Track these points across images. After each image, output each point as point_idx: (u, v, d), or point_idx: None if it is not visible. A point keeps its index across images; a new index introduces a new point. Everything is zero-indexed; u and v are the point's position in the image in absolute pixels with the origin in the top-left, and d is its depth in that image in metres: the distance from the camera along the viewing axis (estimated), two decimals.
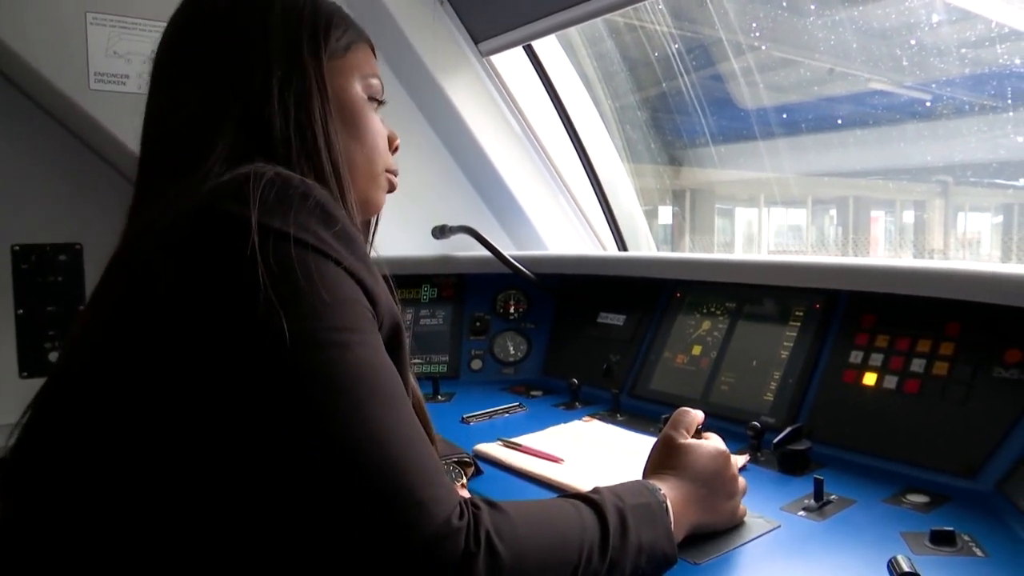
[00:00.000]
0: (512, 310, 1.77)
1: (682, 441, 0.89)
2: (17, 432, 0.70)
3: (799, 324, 1.29)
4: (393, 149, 0.93)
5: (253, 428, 0.60)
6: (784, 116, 2.78)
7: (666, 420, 1.30)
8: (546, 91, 1.98)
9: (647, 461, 0.91)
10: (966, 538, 0.85)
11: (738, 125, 2.67)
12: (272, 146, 0.75)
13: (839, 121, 3.02)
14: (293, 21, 0.80)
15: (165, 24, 0.84)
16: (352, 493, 0.58)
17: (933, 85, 2.45)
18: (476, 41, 1.93)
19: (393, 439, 0.61)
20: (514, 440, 1.24)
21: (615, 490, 0.78)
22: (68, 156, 1.80)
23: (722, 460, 0.90)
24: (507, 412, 1.45)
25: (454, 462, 1.10)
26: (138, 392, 0.62)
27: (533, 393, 1.59)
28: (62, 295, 1.83)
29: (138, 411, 0.62)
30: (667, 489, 0.82)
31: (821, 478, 0.98)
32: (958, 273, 1.07)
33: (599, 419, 1.39)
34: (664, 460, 0.89)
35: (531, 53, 1.94)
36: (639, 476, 1.08)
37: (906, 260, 1.19)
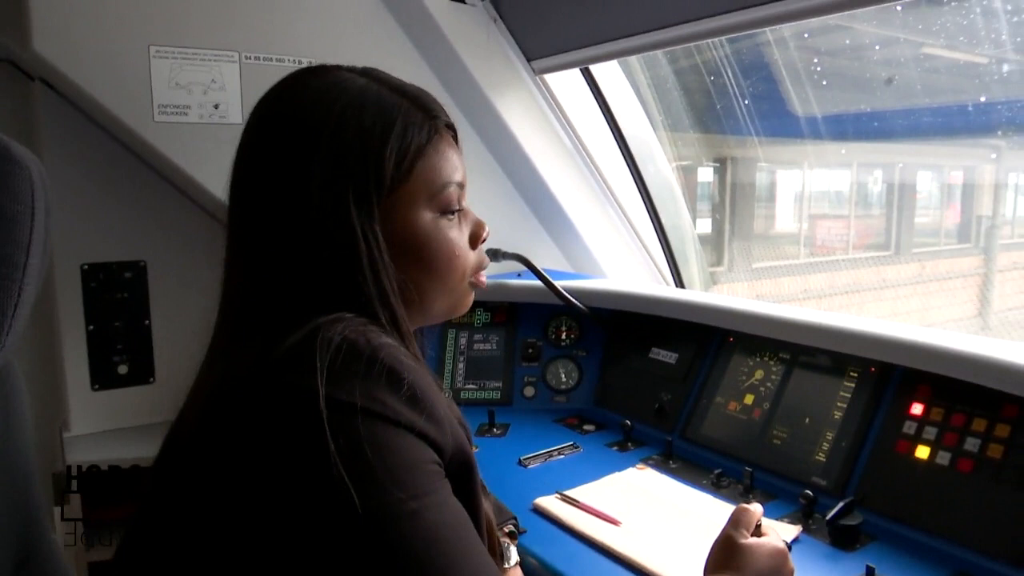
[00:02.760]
0: (564, 336, 1.81)
1: (742, 541, 0.93)
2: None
3: (854, 386, 1.31)
4: (482, 241, 0.88)
5: None
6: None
7: (719, 475, 1.35)
8: (602, 113, 1.97)
9: (708, 558, 0.95)
10: None
11: (788, 122, 2.63)
12: (333, 295, 0.74)
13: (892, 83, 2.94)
14: (338, 168, 0.75)
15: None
16: None
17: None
18: (529, 59, 1.92)
19: None
20: (571, 494, 1.30)
21: None
22: (133, 178, 1.84)
23: (780, 560, 0.93)
24: (561, 453, 1.50)
25: (506, 532, 1.15)
26: (216, 554, 0.67)
27: (586, 428, 1.64)
28: (128, 311, 1.90)
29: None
30: None
31: (873, 567, 1.02)
32: (1018, 368, 1.08)
33: (652, 465, 1.43)
34: (726, 560, 0.93)
35: (588, 75, 1.92)
36: (693, 540, 1.13)
37: (964, 340, 1.19)
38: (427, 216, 0.81)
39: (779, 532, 0.98)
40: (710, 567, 0.94)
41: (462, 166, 0.86)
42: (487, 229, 0.89)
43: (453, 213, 0.84)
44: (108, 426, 1.88)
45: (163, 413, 0.79)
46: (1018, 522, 1.06)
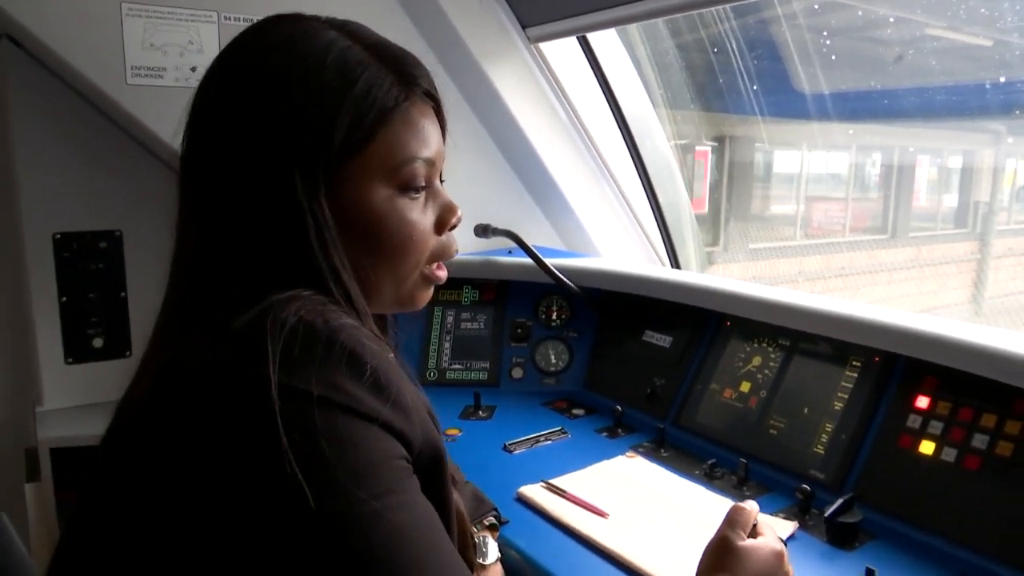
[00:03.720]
0: (554, 316, 1.74)
1: (739, 544, 0.87)
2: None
3: (856, 375, 1.25)
4: (451, 227, 0.81)
5: None
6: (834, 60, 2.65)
7: (712, 465, 1.30)
8: (600, 86, 1.90)
9: (702, 559, 0.89)
10: None
11: (792, 100, 2.56)
12: (285, 268, 0.68)
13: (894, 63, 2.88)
14: (285, 131, 0.68)
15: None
16: None
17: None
18: (524, 26, 1.83)
19: None
20: (558, 483, 1.24)
21: None
22: (107, 143, 1.76)
23: (776, 562, 0.88)
24: (549, 439, 1.44)
25: (487, 525, 1.10)
26: (164, 548, 0.62)
27: (575, 412, 1.58)
28: (103, 282, 1.83)
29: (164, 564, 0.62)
30: None
31: (873, 569, 0.97)
32: None
33: (642, 453, 1.38)
34: (720, 562, 0.87)
35: (585, 45, 1.84)
36: (684, 536, 1.08)
37: (974, 331, 1.12)
38: (382, 192, 0.73)
39: (776, 530, 0.92)
40: (704, 569, 0.88)
41: (437, 142, 0.78)
42: (458, 214, 0.80)
43: (417, 191, 0.76)
44: (83, 401, 1.81)
45: None
46: None
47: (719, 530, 0.89)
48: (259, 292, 0.64)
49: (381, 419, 0.62)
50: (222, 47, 0.75)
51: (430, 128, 0.77)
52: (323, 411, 0.59)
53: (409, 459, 0.65)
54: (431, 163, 0.76)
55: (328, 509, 0.57)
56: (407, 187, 0.74)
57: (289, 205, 0.68)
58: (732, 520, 0.90)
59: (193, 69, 1.62)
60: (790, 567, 0.90)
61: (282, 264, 0.68)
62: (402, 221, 0.74)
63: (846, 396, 1.25)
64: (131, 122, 1.62)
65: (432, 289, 0.84)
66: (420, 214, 0.76)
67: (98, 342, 1.83)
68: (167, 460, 0.62)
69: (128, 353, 1.86)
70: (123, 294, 1.85)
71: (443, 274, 0.82)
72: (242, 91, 0.70)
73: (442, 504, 0.70)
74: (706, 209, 3.74)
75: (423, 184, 0.76)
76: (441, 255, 0.81)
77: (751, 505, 0.92)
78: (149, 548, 0.62)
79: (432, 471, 0.69)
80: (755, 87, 2.31)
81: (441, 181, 0.84)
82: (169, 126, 1.65)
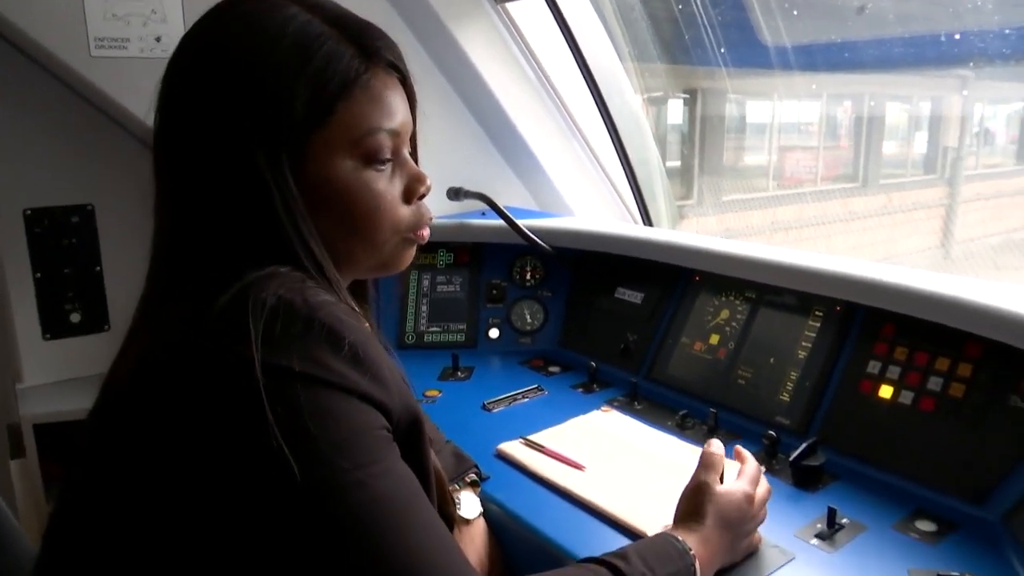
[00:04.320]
0: (529, 277, 1.77)
1: (716, 488, 0.92)
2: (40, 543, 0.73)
3: (819, 325, 1.30)
4: (420, 196, 0.82)
5: (282, 570, 0.62)
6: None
7: (683, 416, 1.35)
8: (567, 44, 1.90)
9: (679, 504, 0.93)
10: None
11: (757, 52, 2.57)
12: (258, 244, 0.70)
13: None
14: (246, 108, 0.70)
15: None
16: None
17: None
18: None
19: (421, 559, 0.63)
20: (535, 439, 1.28)
21: (644, 555, 0.81)
22: (74, 117, 1.75)
23: (748, 505, 0.93)
24: (526, 396, 1.48)
25: (468, 482, 1.14)
26: (152, 524, 0.64)
27: (551, 369, 1.62)
28: (77, 257, 1.83)
29: (153, 543, 0.65)
30: (697, 543, 0.86)
31: (835, 508, 1.02)
32: (979, 307, 1.06)
33: (617, 407, 1.42)
34: (697, 507, 0.91)
35: (552, 3, 1.84)
36: (657, 484, 1.12)
37: (928, 279, 1.17)
38: (347, 165, 0.74)
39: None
40: (683, 512, 0.92)
41: (403, 113, 0.79)
42: (427, 184, 0.82)
43: (383, 163, 0.77)
44: (63, 376, 1.83)
45: None
46: (976, 460, 1.06)
47: (695, 475, 0.94)
48: (236, 270, 0.67)
49: (361, 391, 0.65)
50: (185, 16, 0.76)
51: (394, 99, 0.77)
52: (305, 386, 0.61)
53: (389, 428, 0.68)
54: (396, 134, 0.77)
55: (313, 480, 0.60)
56: (372, 158, 0.75)
57: (255, 180, 0.70)
58: (706, 464, 0.94)
59: (158, 39, 1.61)
60: (756, 511, 0.95)
61: (256, 241, 0.70)
62: (368, 192, 0.76)
63: (810, 345, 1.30)
64: (97, 95, 1.60)
65: (414, 249, 0.86)
66: (387, 184, 0.78)
67: (75, 317, 1.84)
68: (154, 439, 0.64)
69: (106, 327, 1.87)
70: (98, 268, 1.86)
71: (425, 233, 0.84)
72: (206, 69, 0.72)
73: (422, 468, 0.73)
74: (678, 163, 3.76)
75: (388, 156, 0.77)
76: (415, 225, 0.82)
77: (717, 447, 0.97)
78: (139, 524, 0.65)
79: (411, 438, 0.72)
80: (721, 44, 2.32)
81: (412, 153, 0.86)
82: (135, 97, 1.65)
